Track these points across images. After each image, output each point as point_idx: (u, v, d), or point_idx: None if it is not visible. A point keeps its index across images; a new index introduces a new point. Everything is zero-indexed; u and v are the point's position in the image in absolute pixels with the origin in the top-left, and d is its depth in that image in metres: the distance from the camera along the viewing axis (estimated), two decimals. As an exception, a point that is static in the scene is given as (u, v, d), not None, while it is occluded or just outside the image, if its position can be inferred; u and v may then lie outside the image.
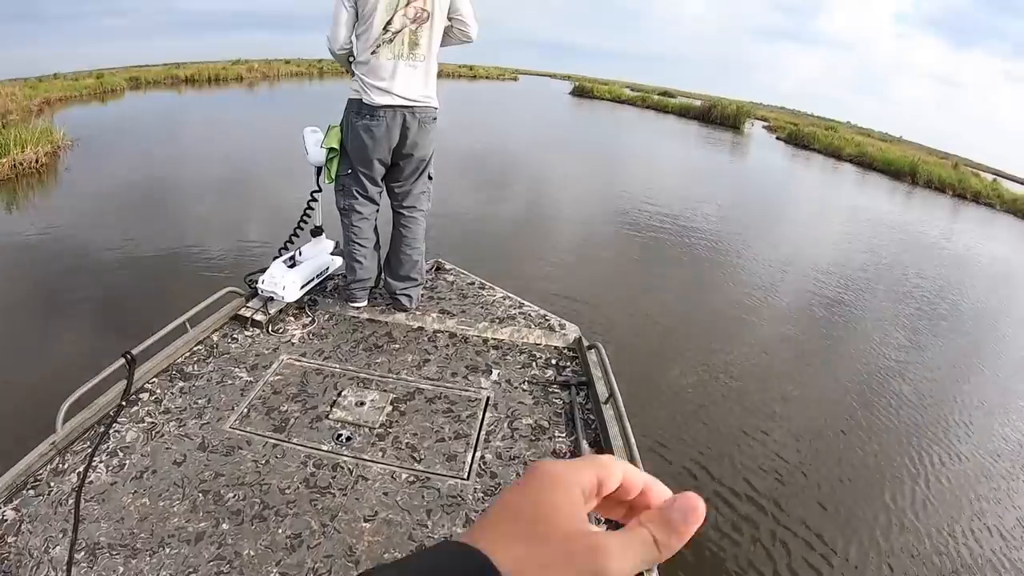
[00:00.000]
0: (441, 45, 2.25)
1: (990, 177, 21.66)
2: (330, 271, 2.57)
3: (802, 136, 21.08)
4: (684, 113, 25.42)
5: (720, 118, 23.50)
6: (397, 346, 2.21)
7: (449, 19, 2.21)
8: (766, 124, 27.27)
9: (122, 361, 1.75)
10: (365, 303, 2.45)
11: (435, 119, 2.28)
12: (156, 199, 6.72)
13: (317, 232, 2.59)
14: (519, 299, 2.58)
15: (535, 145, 14.09)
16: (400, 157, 2.28)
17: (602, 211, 8.39)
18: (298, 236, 2.56)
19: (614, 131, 19.76)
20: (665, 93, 41.83)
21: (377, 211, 2.40)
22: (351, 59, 2.23)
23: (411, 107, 2.18)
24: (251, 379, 1.92)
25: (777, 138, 22.57)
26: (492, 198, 8.19)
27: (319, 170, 2.43)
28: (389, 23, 2.09)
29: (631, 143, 17.26)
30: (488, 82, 38.71)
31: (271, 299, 2.26)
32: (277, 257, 2.41)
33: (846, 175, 17.63)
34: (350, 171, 2.29)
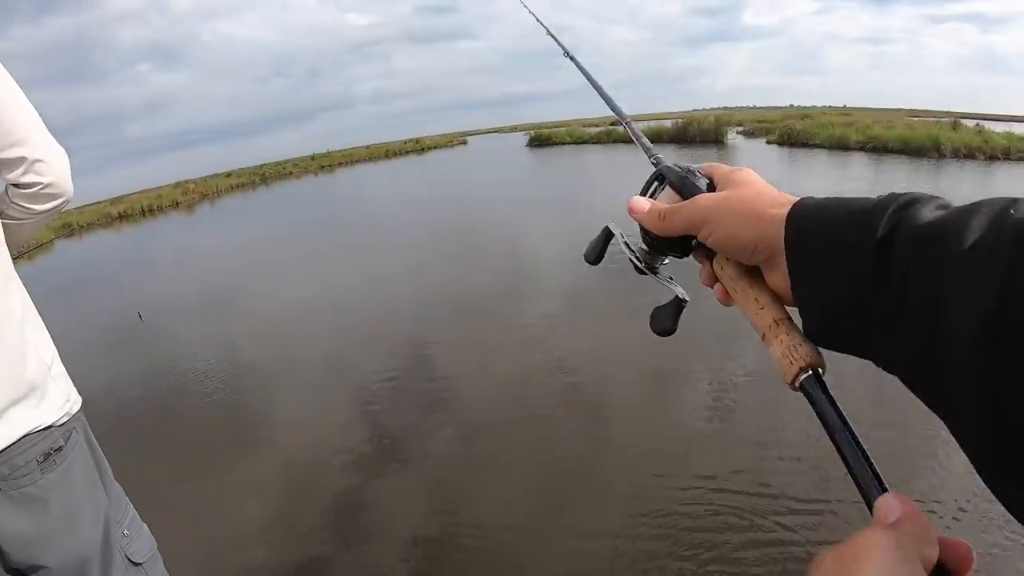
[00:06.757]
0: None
1: (972, 123, 19.82)
2: None
3: (798, 134, 18.86)
4: (657, 139, 23.26)
5: (698, 135, 21.39)
6: None
7: None
8: (741, 130, 25.25)
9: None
10: None
11: (60, 449, 1.06)
12: None
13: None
14: None
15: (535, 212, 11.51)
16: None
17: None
18: None
19: (603, 176, 17.38)
20: (616, 122, 40.21)
21: None
22: None
23: None
24: None
25: (768, 142, 20.42)
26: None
27: None
28: None
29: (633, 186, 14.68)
30: (438, 151, 37.44)
31: None
32: None
33: (867, 165, 15.33)
34: None
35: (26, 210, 1.17)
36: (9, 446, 1.02)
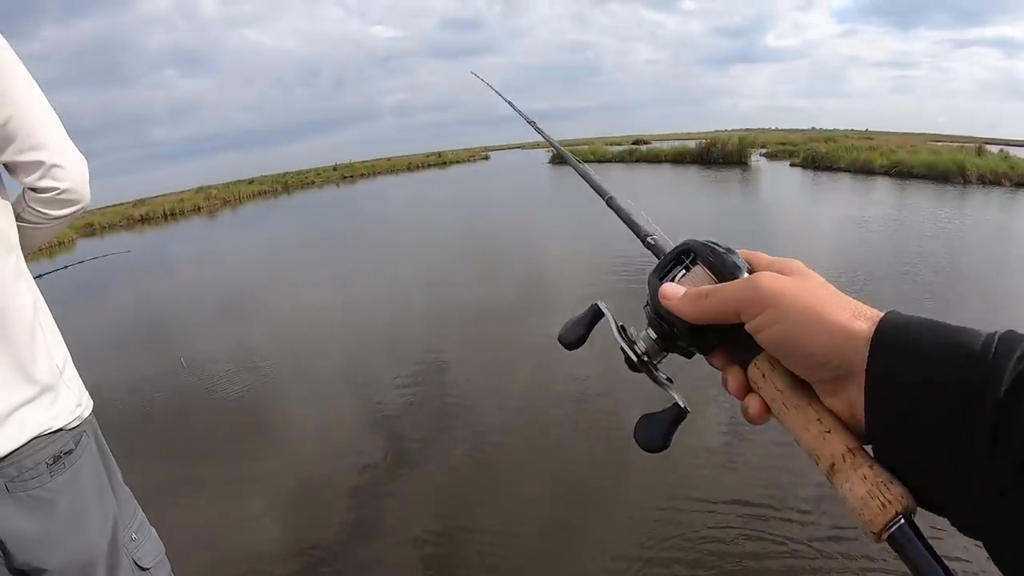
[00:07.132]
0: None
1: (996, 149, 19.48)
2: None
3: (822, 157, 18.70)
4: (680, 159, 23.24)
5: (721, 156, 21.29)
6: None
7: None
8: (764, 151, 25.10)
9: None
10: None
11: (70, 453, 1.05)
12: None
13: None
14: None
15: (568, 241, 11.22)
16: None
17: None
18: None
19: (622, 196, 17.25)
20: (638, 141, 40.41)
21: None
22: None
23: None
24: None
25: (791, 165, 20.26)
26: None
27: None
28: None
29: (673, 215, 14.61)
30: (460, 165, 37.69)
31: None
32: None
33: (892, 190, 15.05)
34: None
35: (41, 215, 1.16)
36: (18, 448, 1.01)
